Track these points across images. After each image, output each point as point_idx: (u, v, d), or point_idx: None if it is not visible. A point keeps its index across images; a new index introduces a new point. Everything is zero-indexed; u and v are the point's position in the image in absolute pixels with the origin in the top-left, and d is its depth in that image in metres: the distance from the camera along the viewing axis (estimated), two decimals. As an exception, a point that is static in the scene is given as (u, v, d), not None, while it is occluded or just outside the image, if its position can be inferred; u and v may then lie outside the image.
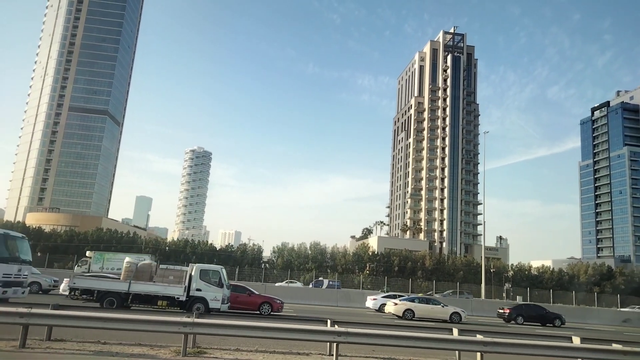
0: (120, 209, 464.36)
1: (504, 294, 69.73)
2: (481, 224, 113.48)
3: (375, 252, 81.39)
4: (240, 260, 75.46)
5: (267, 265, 78.67)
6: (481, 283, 55.95)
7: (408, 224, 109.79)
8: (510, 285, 74.16)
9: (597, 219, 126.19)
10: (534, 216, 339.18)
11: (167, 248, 77.82)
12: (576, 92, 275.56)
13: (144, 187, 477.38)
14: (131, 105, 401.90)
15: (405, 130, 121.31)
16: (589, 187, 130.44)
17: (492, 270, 76.81)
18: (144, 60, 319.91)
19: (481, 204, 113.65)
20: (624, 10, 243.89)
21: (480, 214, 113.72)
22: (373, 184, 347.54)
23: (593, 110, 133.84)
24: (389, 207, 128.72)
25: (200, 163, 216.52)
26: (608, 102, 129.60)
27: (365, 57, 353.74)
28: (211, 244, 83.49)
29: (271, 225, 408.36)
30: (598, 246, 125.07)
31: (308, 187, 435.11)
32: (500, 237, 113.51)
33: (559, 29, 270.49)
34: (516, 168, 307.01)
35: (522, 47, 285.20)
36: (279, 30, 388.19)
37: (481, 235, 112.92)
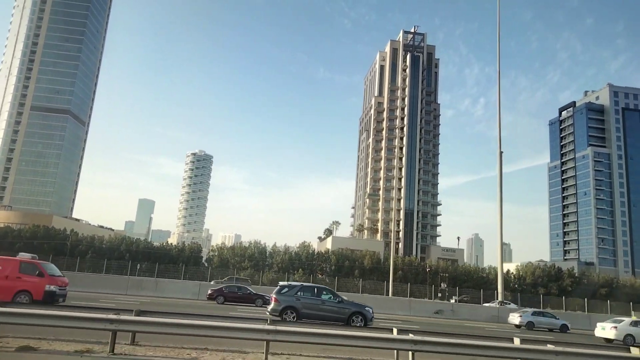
0: (123, 212, 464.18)
1: (439, 294, 69.18)
2: (440, 225, 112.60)
3: (316, 252, 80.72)
4: (177, 258, 75.20)
5: (205, 263, 78.30)
6: (415, 282, 55.82)
7: (365, 224, 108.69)
8: (445, 285, 73.35)
9: (564, 221, 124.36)
10: (529, 219, 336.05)
11: (103, 245, 77.35)
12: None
13: (147, 189, 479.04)
14: (134, 108, 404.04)
15: (367, 130, 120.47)
16: (557, 188, 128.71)
17: (427, 270, 76.15)
18: (153, 64, 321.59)
19: (441, 204, 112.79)
20: (637, 14, 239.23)
21: (440, 214, 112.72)
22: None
23: (560, 110, 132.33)
24: (353, 207, 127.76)
25: (201, 166, 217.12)
26: (574, 102, 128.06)
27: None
28: (150, 241, 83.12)
29: (279, 228, 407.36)
30: (565, 249, 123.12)
31: (318, 190, 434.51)
32: (458, 238, 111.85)
33: (571, 34, 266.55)
34: (529, 172, 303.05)
35: (534, 52, 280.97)
36: (290, 34, 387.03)
37: (440, 236, 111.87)
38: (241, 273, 64.75)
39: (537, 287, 79.90)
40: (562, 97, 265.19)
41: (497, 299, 29.32)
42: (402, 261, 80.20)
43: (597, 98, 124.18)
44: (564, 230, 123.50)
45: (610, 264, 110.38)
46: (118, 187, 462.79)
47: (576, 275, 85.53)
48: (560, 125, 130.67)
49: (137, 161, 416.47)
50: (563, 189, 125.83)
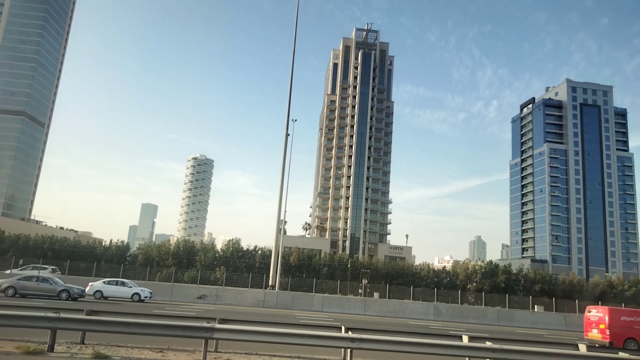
0: (126, 217, 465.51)
1: (360, 290, 68.70)
2: (391, 223, 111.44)
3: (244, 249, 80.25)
4: (101, 256, 75.19)
5: (129, 261, 78.08)
6: (344, 279, 55.33)
7: (315, 222, 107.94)
8: (367, 282, 72.64)
9: (522, 219, 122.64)
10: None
11: (29, 244, 77.41)
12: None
13: (150, 194, 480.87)
14: (144, 112, 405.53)
15: (321, 129, 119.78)
16: (517, 186, 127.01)
17: (348, 267, 75.52)
18: (154, 64, 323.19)
19: (392, 202, 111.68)
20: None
21: (391, 212, 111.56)
22: (393, 191, 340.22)
23: (522, 107, 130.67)
24: (311, 206, 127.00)
25: (202, 170, 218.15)
26: (533, 98, 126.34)
27: None
28: (78, 240, 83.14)
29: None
30: (523, 246, 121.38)
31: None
32: (407, 236, 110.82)
33: (586, 34, 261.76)
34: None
35: (547, 54, 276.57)
36: (300, 38, 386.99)
37: (390, 234, 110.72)
38: (163, 271, 64.28)
39: (469, 283, 79.53)
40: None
41: (270, 284, 28.70)
42: (330, 258, 79.50)
43: (557, 94, 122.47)
44: (522, 228, 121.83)
45: (565, 262, 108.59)
46: (124, 192, 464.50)
47: (512, 272, 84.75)
48: (522, 122, 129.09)
49: (144, 165, 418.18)
50: (522, 186, 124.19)
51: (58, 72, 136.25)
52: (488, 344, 9.66)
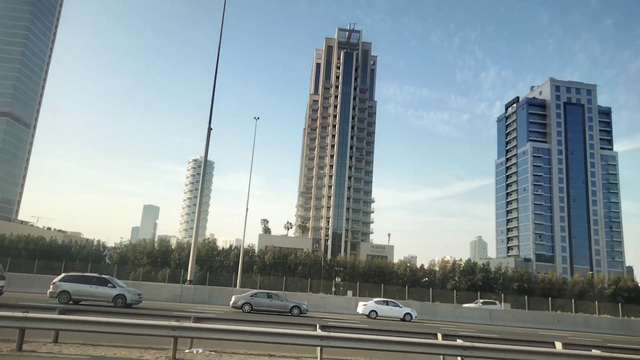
0: (128, 218, 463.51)
1: (333, 288, 68.80)
2: (373, 222, 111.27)
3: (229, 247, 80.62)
4: (76, 256, 75.35)
5: (107, 261, 78.16)
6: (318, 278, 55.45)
7: (297, 221, 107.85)
8: (340, 280, 72.63)
9: (507, 218, 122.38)
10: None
11: (4, 243, 77.41)
12: (607, 98, 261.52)
13: (153, 195, 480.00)
14: (148, 113, 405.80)
15: (305, 128, 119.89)
16: (502, 185, 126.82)
17: (323, 265, 75.60)
18: (154, 65, 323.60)
19: (374, 201, 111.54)
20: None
21: (373, 212, 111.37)
22: (399, 193, 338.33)
23: (507, 106, 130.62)
24: (296, 206, 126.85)
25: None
26: (517, 97, 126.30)
27: (391, 66, 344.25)
28: (54, 240, 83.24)
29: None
30: (508, 245, 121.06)
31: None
32: (389, 235, 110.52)
33: (590, 35, 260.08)
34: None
35: (551, 54, 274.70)
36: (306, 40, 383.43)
37: (373, 233, 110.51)
38: (137, 270, 64.29)
39: (446, 281, 79.67)
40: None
41: (188, 279, 28.61)
42: (305, 257, 79.40)
43: (541, 93, 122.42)
44: (508, 227, 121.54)
45: (549, 260, 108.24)
46: (128, 194, 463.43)
47: (490, 270, 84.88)
48: (506, 122, 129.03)
49: (147, 167, 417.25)
50: (507, 185, 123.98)
51: (44, 73, 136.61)
52: (438, 339, 9.94)
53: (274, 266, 76.25)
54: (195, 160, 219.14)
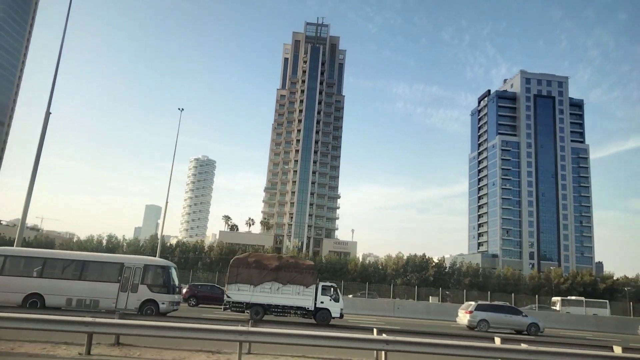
0: (130, 218, 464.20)
1: None
2: (339, 218, 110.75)
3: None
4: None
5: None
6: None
7: (261, 217, 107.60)
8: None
9: (478, 213, 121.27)
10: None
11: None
12: (620, 94, 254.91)
13: (156, 195, 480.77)
14: (154, 115, 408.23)
15: (272, 124, 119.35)
16: (475, 180, 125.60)
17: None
18: (154, 64, 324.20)
19: (340, 197, 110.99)
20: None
21: (339, 207, 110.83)
22: (408, 192, 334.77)
23: (479, 99, 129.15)
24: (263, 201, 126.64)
25: (204, 171, 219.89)
26: (489, 90, 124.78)
27: (401, 65, 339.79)
28: (28, 238, 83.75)
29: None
30: (478, 241, 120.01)
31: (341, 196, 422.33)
32: (352, 231, 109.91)
33: (603, 30, 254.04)
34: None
35: (563, 51, 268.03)
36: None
37: (338, 229, 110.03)
38: None
39: (397, 277, 79.40)
40: (593, 94, 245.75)
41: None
42: (255, 252, 79.14)
43: (512, 85, 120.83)
44: (479, 223, 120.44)
45: (516, 256, 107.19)
46: (132, 194, 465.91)
47: (445, 266, 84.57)
48: (479, 115, 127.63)
49: (151, 167, 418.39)
50: (479, 180, 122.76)
51: (19, 72, 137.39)
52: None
53: (218, 262, 76.00)
54: (197, 159, 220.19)
